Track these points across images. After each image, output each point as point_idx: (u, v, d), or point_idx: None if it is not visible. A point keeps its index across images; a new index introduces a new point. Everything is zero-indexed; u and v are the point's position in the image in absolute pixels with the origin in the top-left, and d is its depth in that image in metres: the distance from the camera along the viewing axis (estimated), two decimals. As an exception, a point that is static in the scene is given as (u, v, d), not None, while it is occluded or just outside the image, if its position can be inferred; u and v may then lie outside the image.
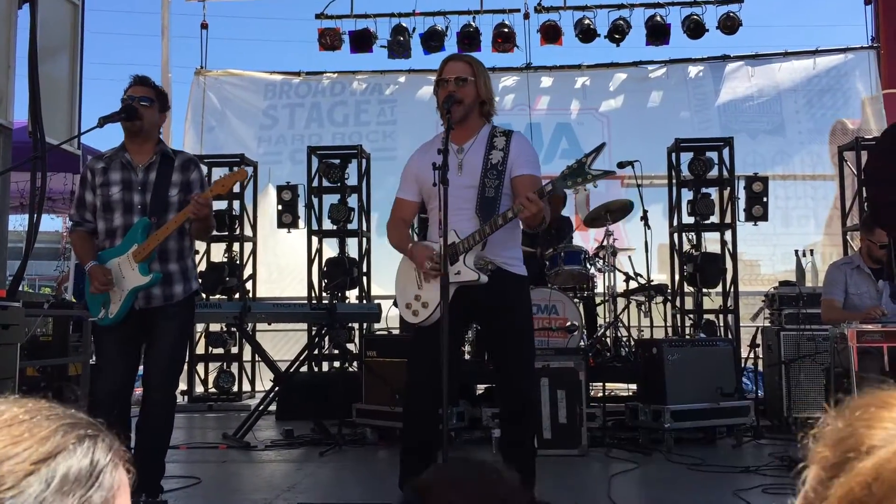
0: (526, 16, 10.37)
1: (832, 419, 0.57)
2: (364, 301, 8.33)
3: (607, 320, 7.29)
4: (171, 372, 3.81)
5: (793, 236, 10.17)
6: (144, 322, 3.74)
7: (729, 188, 8.19)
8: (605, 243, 7.34)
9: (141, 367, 3.96)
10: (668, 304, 7.82)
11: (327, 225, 8.55)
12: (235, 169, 3.86)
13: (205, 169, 8.80)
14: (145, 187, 3.76)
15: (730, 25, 10.02)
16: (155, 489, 3.69)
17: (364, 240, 8.58)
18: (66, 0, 6.68)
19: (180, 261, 3.81)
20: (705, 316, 8.18)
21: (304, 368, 7.18)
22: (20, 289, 5.40)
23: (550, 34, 10.28)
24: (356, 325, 8.03)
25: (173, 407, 3.93)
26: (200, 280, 8.19)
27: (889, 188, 3.55)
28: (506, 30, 10.29)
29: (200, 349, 8.72)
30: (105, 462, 0.75)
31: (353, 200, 8.52)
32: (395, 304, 4.40)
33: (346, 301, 8.32)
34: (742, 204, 8.20)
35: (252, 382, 8.93)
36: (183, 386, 8.55)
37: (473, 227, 3.27)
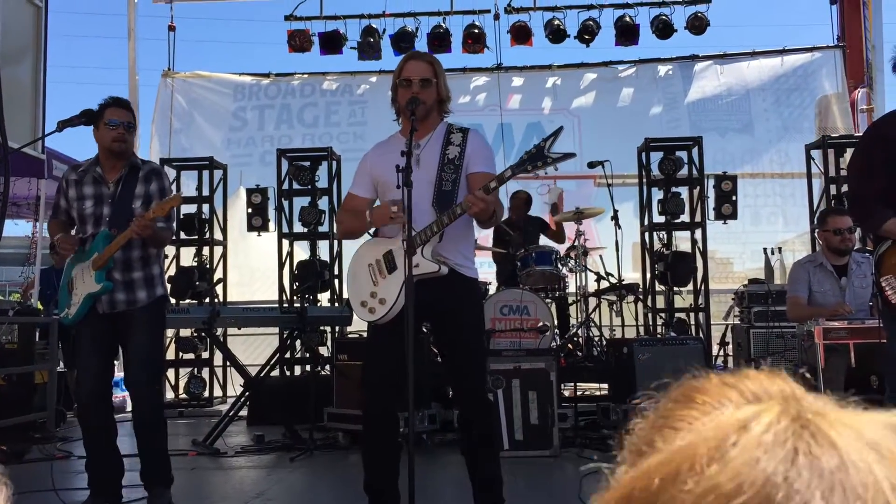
0: (496, 17, 10.40)
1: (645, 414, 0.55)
2: (335, 304, 8.28)
3: (579, 320, 7.31)
4: (149, 371, 3.99)
5: (763, 234, 10.28)
6: (115, 325, 3.95)
7: (699, 187, 8.24)
8: (576, 243, 7.36)
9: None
10: (640, 303, 7.86)
11: (298, 228, 8.49)
12: (174, 193, 4.00)
13: (172, 173, 8.71)
14: (113, 200, 3.95)
15: (698, 25, 10.12)
16: (167, 479, 3.99)
17: (335, 242, 8.52)
18: (29, 2, 6.59)
19: (145, 268, 3.98)
20: (676, 314, 8.23)
21: (275, 373, 7.12)
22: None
23: (520, 35, 10.31)
24: (328, 329, 7.98)
25: (160, 402, 4.25)
26: (170, 285, 8.12)
27: (859, 182, 3.56)
28: (476, 31, 10.31)
29: (171, 355, 8.62)
30: None
31: (323, 203, 8.47)
32: (347, 303, 4.39)
33: (318, 304, 8.27)
34: (712, 202, 8.27)
35: (223, 387, 8.85)
36: (153, 392, 8.45)
37: (429, 220, 3.24)
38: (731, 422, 0.50)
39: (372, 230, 3.56)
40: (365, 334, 6.98)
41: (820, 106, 10.73)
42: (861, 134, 5.34)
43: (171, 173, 8.75)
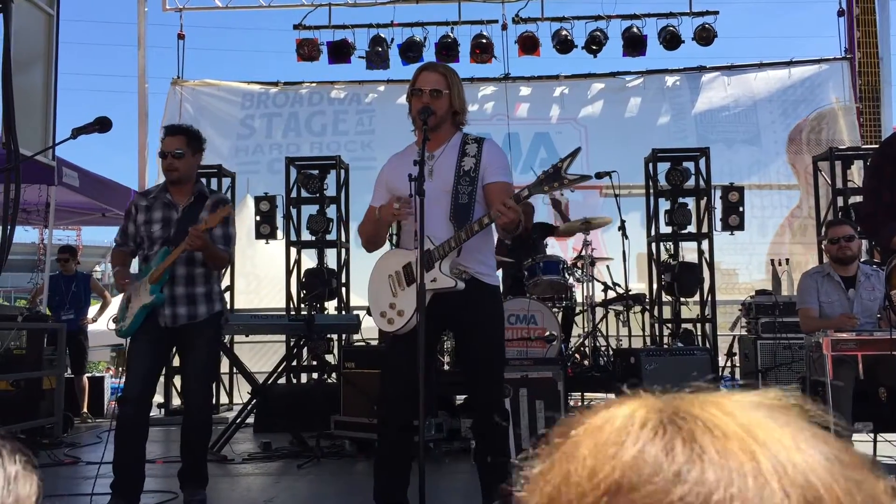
0: (504, 27, 10.44)
1: (539, 459, 0.59)
2: (343, 312, 8.29)
3: (586, 330, 7.31)
4: (204, 383, 4.28)
5: (769, 245, 10.28)
6: (175, 337, 4.19)
7: (706, 198, 8.25)
8: (583, 253, 7.36)
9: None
10: (646, 314, 7.85)
11: (306, 236, 8.51)
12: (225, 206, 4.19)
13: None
14: (179, 223, 4.15)
15: (705, 37, 10.15)
16: (204, 480, 4.31)
17: (343, 250, 8.55)
18: (41, 10, 6.63)
19: (206, 284, 4.21)
20: (683, 325, 8.22)
21: (282, 380, 7.13)
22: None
23: (528, 45, 10.34)
24: (335, 337, 7.99)
25: (210, 411, 4.48)
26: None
27: (868, 199, 3.59)
28: (484, 41, 10.34)
29: (177, 361, 8.62)
30: (16, 469, 0.75)
31: (331, 211, 8.50)
32: (368, 312, 4.43)
33: (325, 312, 8.28)
34: (719, 213, 8.27)
35: (230, 395, 8.86)
36: (160, 398, 8.47)
37: (447, 233, 3.25)
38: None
39: (395, 241, 3.57)
40: (372, 342, 7.00)
41: (794, 132, 10.74)
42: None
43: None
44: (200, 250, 4.03)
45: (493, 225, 3.27)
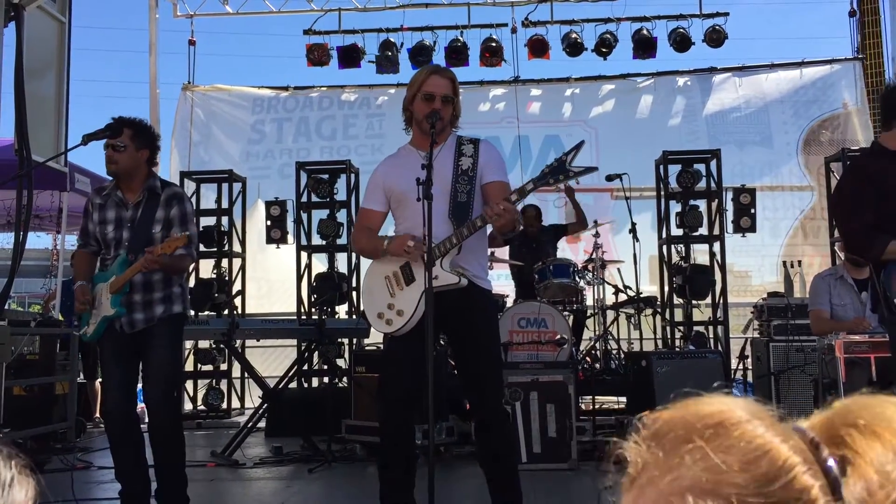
0: (513, 30, 10.44)
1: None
2: (353, 316, 8.30)
3: (597, 333, 7.30)
4: (163, 387, 3.97)
5: (782, 247, 10.22)
6: (136, 340, 3.98)
7: (717, 200, 8.21)
8: (593, 256, 7.35)
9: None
10: (658, 317, 7.82)
11: (316, 240, 8.53)
12: (180, 234, 3.88)
13: (192, 186, 8.77)
14: (133, 224, 3.96)
15: (716, 38, 10.11)
16: (180, 498, 3.97)
17: (353, 255, 8.55)
18: (53, 18, 6.67)
19: (165, 289, 4.00)
20: (695, 328, 8.18)
21: (293, 384, 7.14)
22: (6, 307, 5.41)
23: (538, 48, 10.34)
24: (346, 341, 8.00)
25: (176, 417, 4.20)
26: (189, 296, 8.18)
27: (850, 216, 3.49)
28: (493, 44, 10.35)
29: (189, 366, 8.67)
30: (11, 474, 0.75)
31: (342, 215, 8.51)
32: (363, 315, 4.41)
33: (336, 316, 8.30)
34: (730, 215, 8.23)
35: (241, 399, 8.88)
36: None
37: (447, 232, 3.26)
38: None
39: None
40: (383, 346, 7.00)
41: (809, 133, 10.70)
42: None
43: (190, 186, 8.83)
44: (162, 269, 3.89)
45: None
